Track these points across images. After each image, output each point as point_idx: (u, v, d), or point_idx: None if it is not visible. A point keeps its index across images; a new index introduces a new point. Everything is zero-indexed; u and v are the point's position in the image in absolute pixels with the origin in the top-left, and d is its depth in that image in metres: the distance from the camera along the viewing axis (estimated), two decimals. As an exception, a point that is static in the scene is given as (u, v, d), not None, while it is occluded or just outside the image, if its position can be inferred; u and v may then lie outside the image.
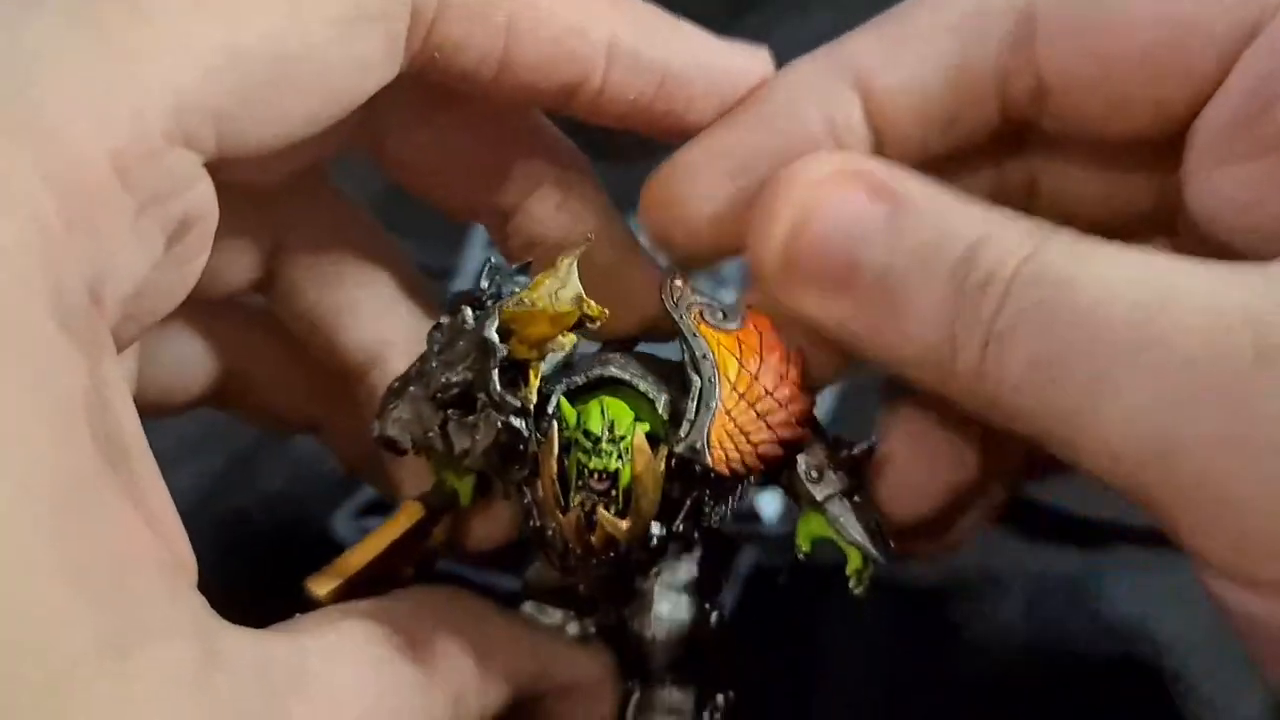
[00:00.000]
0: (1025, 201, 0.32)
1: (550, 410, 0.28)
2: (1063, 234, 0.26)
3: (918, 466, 0.31)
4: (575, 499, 0.27)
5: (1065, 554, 0.39)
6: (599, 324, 0.27)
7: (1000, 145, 0.31)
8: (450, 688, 0.27)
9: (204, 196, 0.25)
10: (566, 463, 0.27)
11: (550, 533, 0.28)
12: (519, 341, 0.27)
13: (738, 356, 0.28)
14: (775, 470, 0.29)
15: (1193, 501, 0.24)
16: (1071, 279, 0.25)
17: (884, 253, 0.27)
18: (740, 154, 0.30)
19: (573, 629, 0.32)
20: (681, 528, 0.28)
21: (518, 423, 0.27)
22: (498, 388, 0.27)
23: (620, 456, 0.27)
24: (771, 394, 0.28)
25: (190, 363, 0.34)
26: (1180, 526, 0.24)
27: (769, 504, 0.42)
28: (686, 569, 0.30)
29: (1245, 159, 0.28)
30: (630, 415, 0.27)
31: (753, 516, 0.41)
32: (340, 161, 0.32)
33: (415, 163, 0.32)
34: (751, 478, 0.28)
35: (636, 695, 0.31)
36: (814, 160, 0.28)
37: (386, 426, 0.29)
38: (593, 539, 0.27)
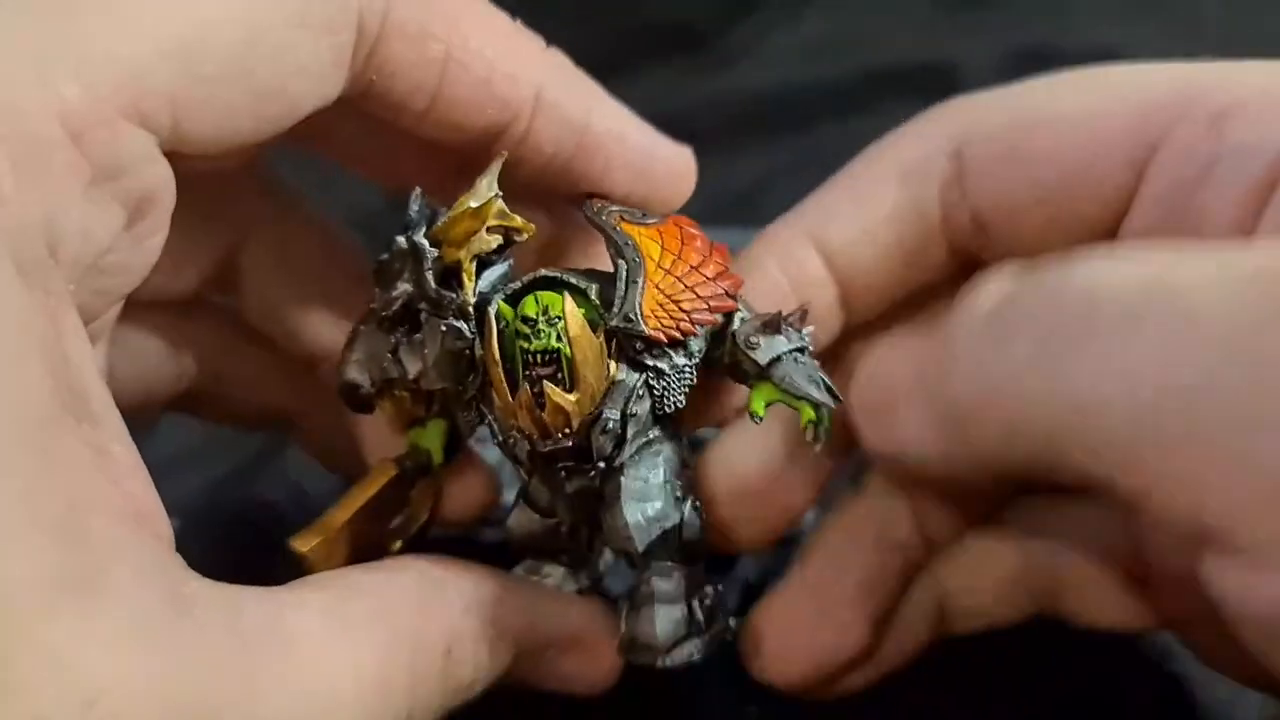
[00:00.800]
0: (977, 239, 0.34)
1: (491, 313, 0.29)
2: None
3: (795, 639, 0.32)
4: (523, 384, 0.28)
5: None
6: (525, 238, 0.30)
7: (953, 284, 0.33)
8: (437, 641, 0.27)
9: (161, 177, 0.26)
10: (511, 357, 0.28)
11: (512, 439, 0.29)
12: (448, 245, 0.29)
13: (660, 243, 0.30)
14: (715, 355, 0.30)
15: (1215, 465, 0.22)
16: (1068, 273, 0.25)
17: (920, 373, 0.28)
18: None
19: (568, 586, 0.33)
20: (636, 412, 0.29)
21: (460, 324, 0.29)
22: (434, 285, 0.29)
23: (559, 337, 0.28)
24: (697, 269, 0.29)
25: (159, 366, 0.35)
26: (1198, 499, 0.23)
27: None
28: (651, 466, 0.30)
29: None
30: (561, 298, 0.28)
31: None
32: (333, 177, 0.32)
33: (361, 150, 0.33)
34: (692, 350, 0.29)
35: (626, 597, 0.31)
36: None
37: (345, 371, 0.31)
38: (545, 417, 0.28)
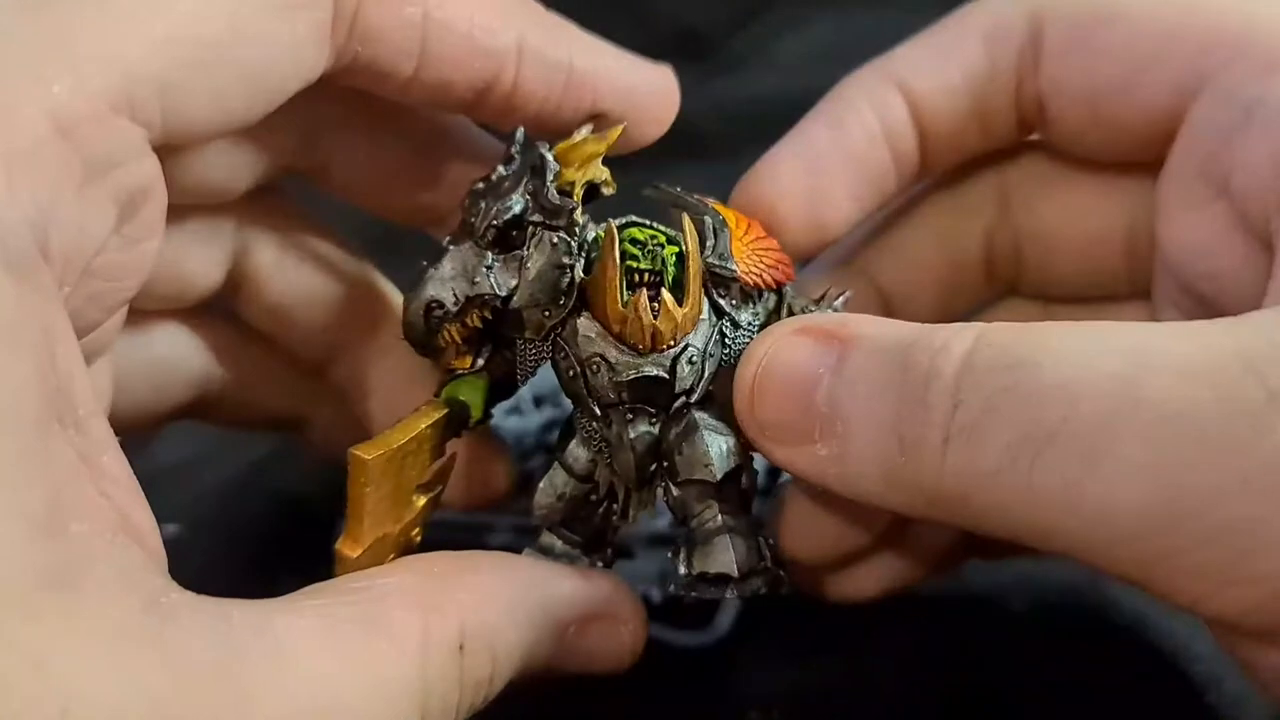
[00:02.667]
0: (1013, 269, 0.36)
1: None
2: (997, 324, 0.26)
3: (816, 517, 0.33)
4: (639, 290, 0.30)
5: (1069, 559, 0.39)
6: (610, 192, 0.31)
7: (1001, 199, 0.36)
8: (448, 639, 0.27)
9: (151, 173, 0.27)
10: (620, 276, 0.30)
11: (595, 364, 0.30)
12: (566, 166, 0.31)
13: (732, 215, 0.32)
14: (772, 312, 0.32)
15: (1211, 557, 0.23)
16: (1035, 361, 0.25)
17: (830, 388, 0.27)
18: (812, 152, 0.33)
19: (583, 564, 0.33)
20: (714, 354, 0.30)
21: (570, 239, 0.30)
22: (555, 195, 0.30)
23: (664, 262, 0.30)
24: (761, 239, 0.32)
25: (169, 375, 0.35)
26: (1195, 589, 0.24)
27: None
28: (717, 412, 0.31)
29: (1201, 205, 0.31)
30: (662, 235, 0.30)
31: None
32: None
33: (357, 181, 0.34)
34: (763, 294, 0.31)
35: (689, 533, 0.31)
36: (776, 326, 0.29)
37: (427, 288, 0.30)
38: (659, 324, 0.29)
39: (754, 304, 0.31)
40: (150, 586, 0.23)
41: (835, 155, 0.33)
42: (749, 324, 0.31)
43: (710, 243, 0.30)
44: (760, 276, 0.31)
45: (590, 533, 0.33)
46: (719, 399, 0.31)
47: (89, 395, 0.24)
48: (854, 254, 0.36)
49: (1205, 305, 0.32)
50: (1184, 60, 0.31)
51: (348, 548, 0.29)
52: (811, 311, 0.32)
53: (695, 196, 0.32)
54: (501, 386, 0.32)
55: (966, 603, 0.38)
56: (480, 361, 0.31)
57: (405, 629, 0.26)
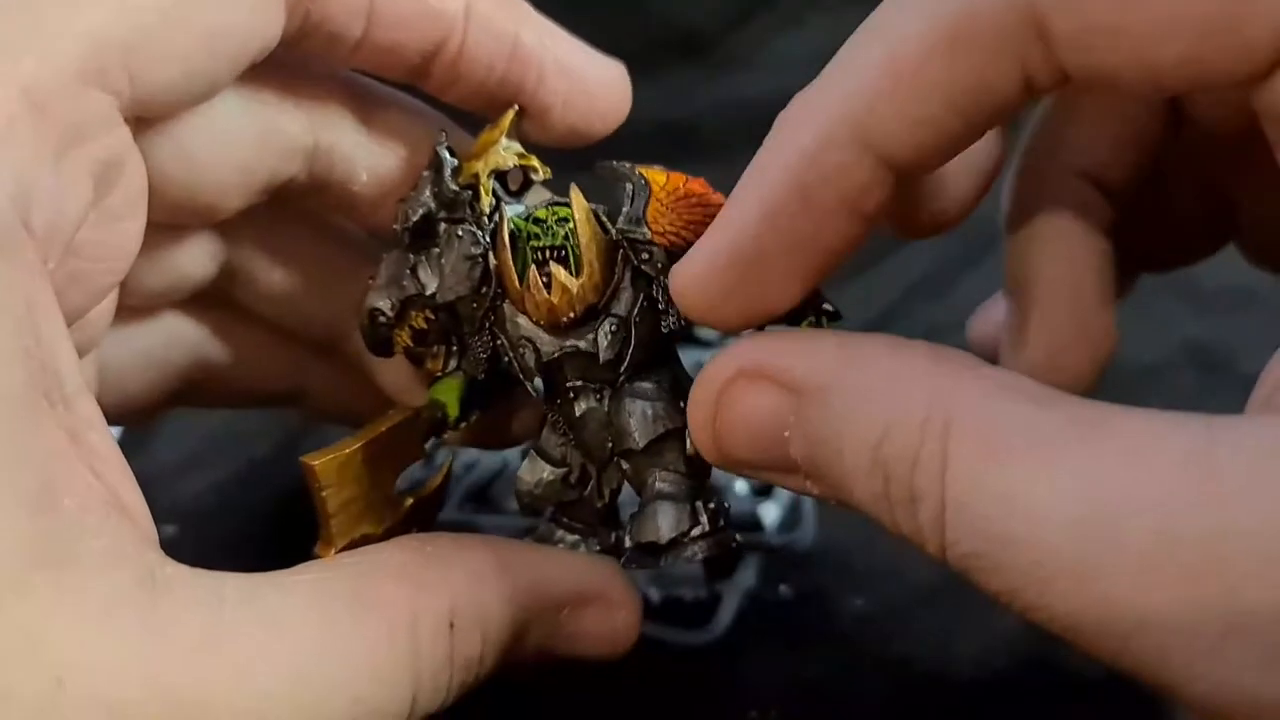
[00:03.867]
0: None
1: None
2: (965, 430, 0.23)
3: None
4: (531, 269, 0.29)
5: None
6: (542, 177, 0.32)
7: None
8: (438, 616, 0.27)
9: (124, 143, 0.27)
10: (523, 259, 0.30)
11: (522, 348, 0.30)
12: (467, 160, 0.31)
13: (666, 177, 0.30)
14: None
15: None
16: (1012, 495, 0.22)
17: (804, 445, 0.26)
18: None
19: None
20: (639, 319, 0.30)
21: (475, 230, 0.30)
22: (453, 187, 0.31)
23: (568, 236, 0.29)
24: (700, 197, 0.30)
25: (158, 363, 0.35)
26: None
27: (770, 512, 0.42)
28: (655, 379, 0.30)
29: None
30: (569, 209, 0.30)
31: (754, 525, 0.41)
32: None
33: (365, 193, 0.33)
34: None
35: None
36: (716, 364, 0.27)
37: (369, 298, 0.32)
38: (552, 298, 0.29)
39: None
40: (143, 561, 0.23)
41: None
42: None
43: (625, 209, 0.30)
44: (678, 236, 0.29)
45: (589, 517, 0.32)
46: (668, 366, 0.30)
47: (75, 372, 0.24)
48: None
49: None
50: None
51: (320, 549, 0.29)
52: None
53: (630, 165, 0.30)
54: (482, 385, 0.32)
55: (967, 603, 0.38)
56: (454, 363, 0.32)
57: (396, 605, 0.26)
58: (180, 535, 0.39)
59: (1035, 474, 0.22)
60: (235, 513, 0.43)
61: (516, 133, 0.32)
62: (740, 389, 0.27)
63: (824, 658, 0.36)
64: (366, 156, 0.33)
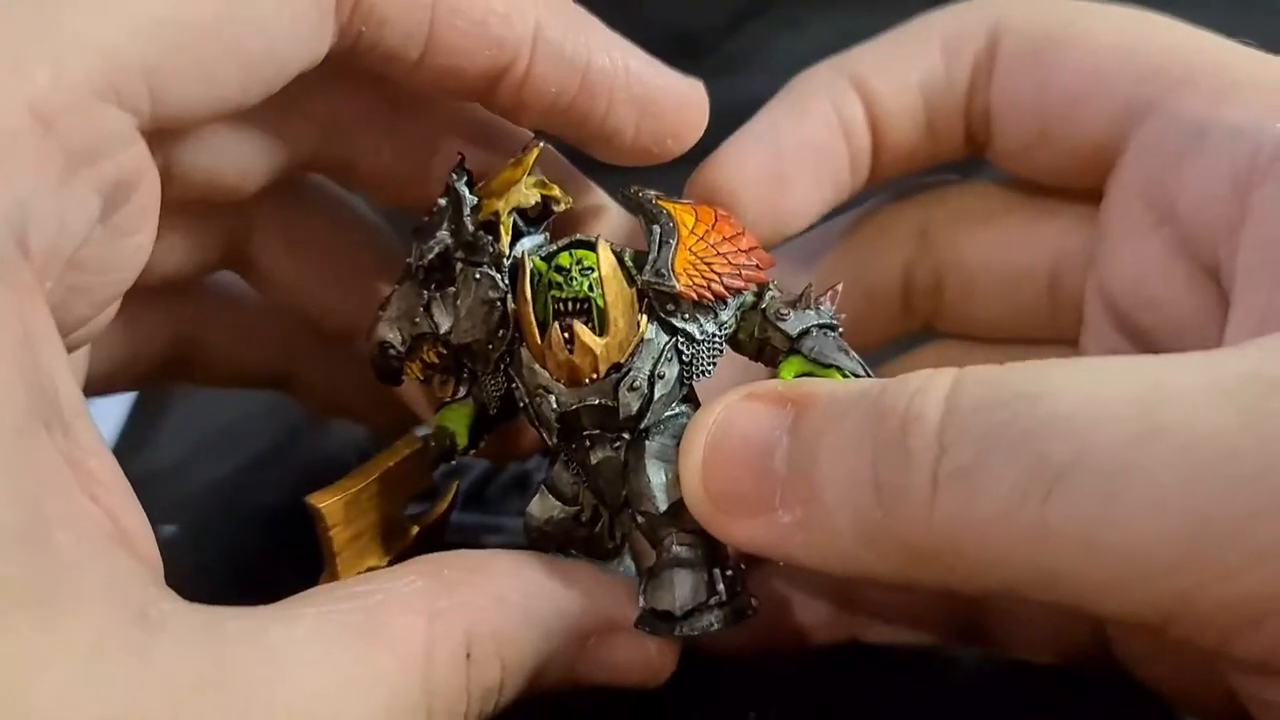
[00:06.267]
0: (931, 304, 0.36)
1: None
2: (976, 366, 0.24)
3: None
4: (553, 325, 0.28)
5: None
6: (563, 208, 0.30)
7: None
8: (454, 646, 0.26)
9: (139, 160, 0.26)
10: (544, 307, 0.29)
11: (538, 397, 0.29)
12: (488, 197, 0.30)
13: (694, 216, 0.30)
14: (741, 337, 0.30)
15: (1247, 587, 0.21)
16: (1033, 394, 0.23)
17: (789, 450, 0.26)
18: (775, 140, 0.32)
19: None
20: (664, 374, 0.29)
21: (494, 273, 0.29)
22: (471, 228, 0.29)
23: (592, 287, 0.28)
24: (730, 240, 0.30)
25: (135, 336, 0.34)
26: (1225, 625, 0.22)
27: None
28: (676, 433, 0.29)
29: (1144, 230, 0.30)
30: (595, 248, 0.29)
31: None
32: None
33: (384, 176, 0.33)
34: (721, 305, 0.29)
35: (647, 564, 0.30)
36: (728, 394, 0.28)
37: (378, 330, 0.31)
38: (574, 358, 0.28)
39: (717, 312, 0.30)
40: (139, 597, 0.22)
41: (797, 145, 0.32)
42: (713, 334, 0.30)
43: (652, 256, 0.29)
44: (707, 288, 0.29)
45: (599, 554, 0.32)
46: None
47: (75, 397, 0.24)
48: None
49: (1141, 338, 0.31)
50: (1134, 83, 0.31)
51: (324, 582, 0.29)
52: (786, 316, 0.30)
53: (658, 199, 0.30)
54: (490, 414, 0.32)
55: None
56: (463, 390, 0.32)
57: (408, 636, 0.25)
58: (180, 535, 0.39)
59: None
60: (235, 512, 0.43)
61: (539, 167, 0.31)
62: (734, 409, 0.27)
63: (823, 659, 0.36)
64: (392, 135, 0.32)
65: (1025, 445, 0.22)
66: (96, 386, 0.25)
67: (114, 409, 0.48)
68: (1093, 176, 0.32)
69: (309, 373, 0.37)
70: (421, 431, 0.32)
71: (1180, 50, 0.31)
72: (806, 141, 0.32)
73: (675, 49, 0.59)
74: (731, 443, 0.27)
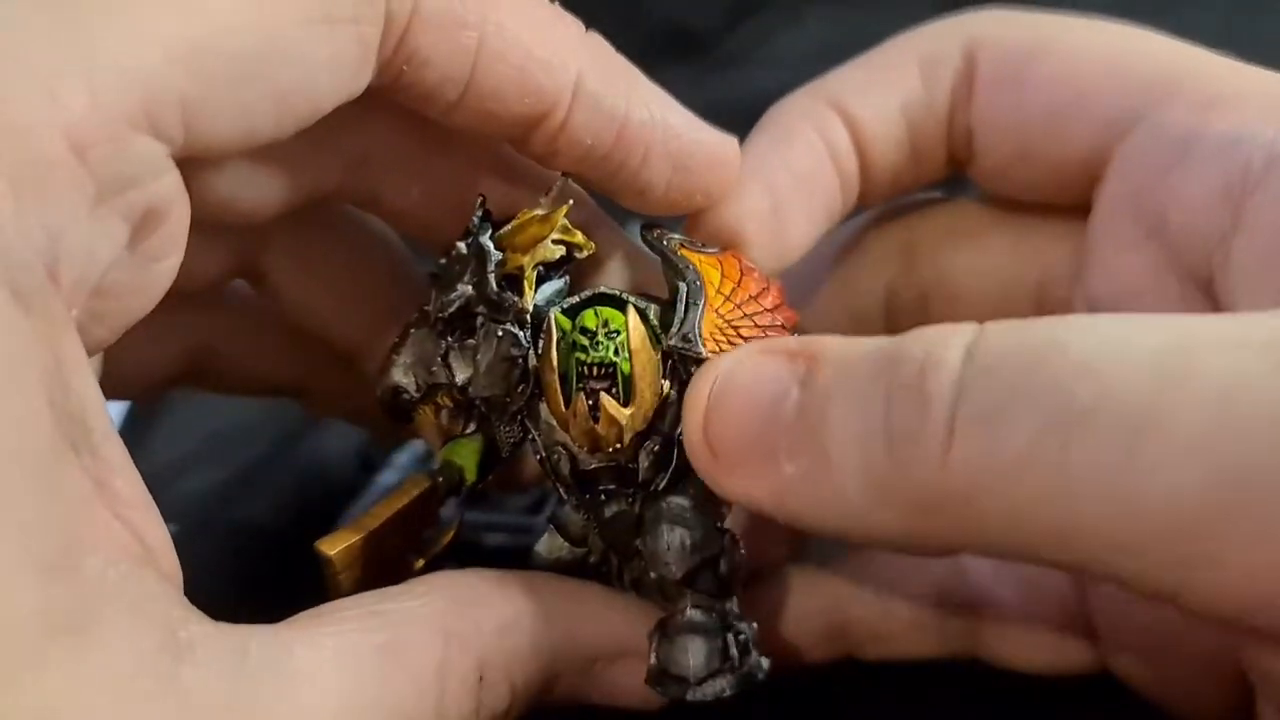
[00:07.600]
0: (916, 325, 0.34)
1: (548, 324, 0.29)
2: (998, 320, 0.24)
3: None
4: (578, 394, 0.28)
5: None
6: (585, 254, 0.30)
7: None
8: (467, 669, 0.26)
9: (171, 189, 0.25)
10: (566, 368, 0.28)
11: (556, 454, 0.29)
12: (512, 251, 0.29)
13: (720, 271, 0.29)
14: None
15: (1275, 549, 0.20)
16: (1059, 341, 0.22)
17: (800, 399, 0.25)
18: (766, 172, 0.31)
19: None
20: (681, 436, 0.28)
21: (517, 331, 0.29)
22: (495, 287, 0.29)
23: (618, 351, 0.28)
24: (756, 298, 0.29)
25: (151, 343, 0.33)
26: (1248, 590, 0.21)
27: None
28: (691, 484, 0.29)
29: (1132, 245, 0.30)
30: (624, 313, 0.29)
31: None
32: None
33: (410, 209, 0.32)
34: None
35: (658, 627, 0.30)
36: (738, 349, 0.28)
37: (391, 374, 0.30)
38: (599, 429, 0.28)
39: None
40: (166, 619, 0.23)
41: (789, 175, 0.32)
42: None
43: (680, 317, 0.28)
44: (731, 349, 0.28)
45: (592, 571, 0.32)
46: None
47: (103, 418, 0.24)
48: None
49: None
50: (1116, 97, 0.30)
51: None
52: None
53: (684, 250, 0.30)
54: (498, 450, 0.31)
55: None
56: (473, 426, 0.31)
57: (424, 657, 0.26)
58: (181, 534, 0.39)
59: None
60: (236, 511, 0.43)
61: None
62: (747, 360, 0.27)
63: (819, 676, 0.36)
64: (422, 173, 0.31)
65: (1049, 391, 0.22)
66: (108, 394, 0.25)
67: (111, 412, 0.48)
68: (1077, 192, 0.32)
69: (321, 382, 0.37)
70: (429, 467, 0.32)
71: (1162, 62, 0.30)
72: (797, 171, 0.32)
73: (674, 45, 0.59)
74: (738, 391, 0.26)
